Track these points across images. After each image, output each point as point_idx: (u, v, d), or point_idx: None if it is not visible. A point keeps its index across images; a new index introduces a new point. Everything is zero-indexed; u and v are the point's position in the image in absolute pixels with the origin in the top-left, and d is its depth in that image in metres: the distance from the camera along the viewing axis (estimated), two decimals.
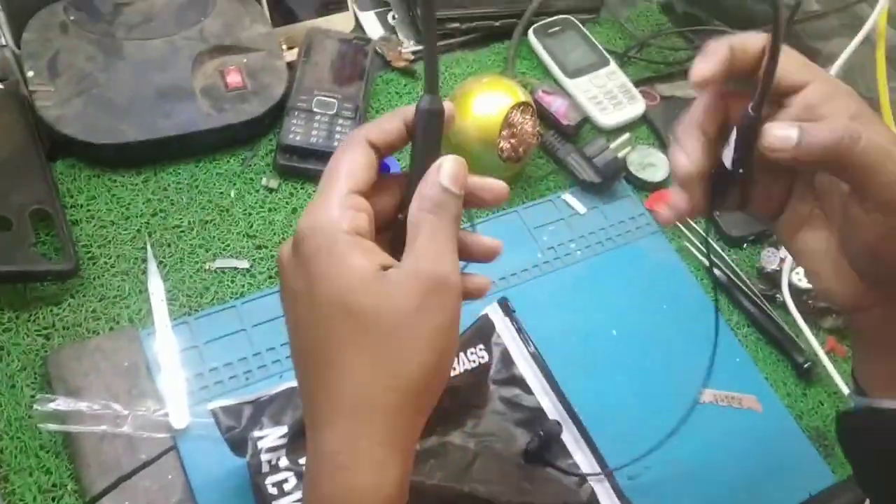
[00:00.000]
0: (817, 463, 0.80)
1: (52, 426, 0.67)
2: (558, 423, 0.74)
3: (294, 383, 0.70)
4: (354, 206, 0.43)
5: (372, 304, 0.40)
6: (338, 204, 0.42)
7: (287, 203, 0.86)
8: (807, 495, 0.78)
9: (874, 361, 0.52)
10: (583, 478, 0.73)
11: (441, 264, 0.41)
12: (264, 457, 0.65)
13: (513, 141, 0.86)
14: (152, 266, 0.78)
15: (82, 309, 0.75)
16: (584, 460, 0.74)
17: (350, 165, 0.43)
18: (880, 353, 0.51)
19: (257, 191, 0.86)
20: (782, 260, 0.89)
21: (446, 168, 0.43)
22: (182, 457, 0.68)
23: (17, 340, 0.72)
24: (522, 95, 0.87)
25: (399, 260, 0.42)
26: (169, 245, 0.81)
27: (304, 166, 0.87)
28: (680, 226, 0.93)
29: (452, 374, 0.74)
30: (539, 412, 0.75)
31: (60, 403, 0.68)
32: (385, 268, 0.41)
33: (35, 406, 0.67)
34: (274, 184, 0.87)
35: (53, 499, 0.65)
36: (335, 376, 0.41)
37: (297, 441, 0.67)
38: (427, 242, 0.42)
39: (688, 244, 0.92)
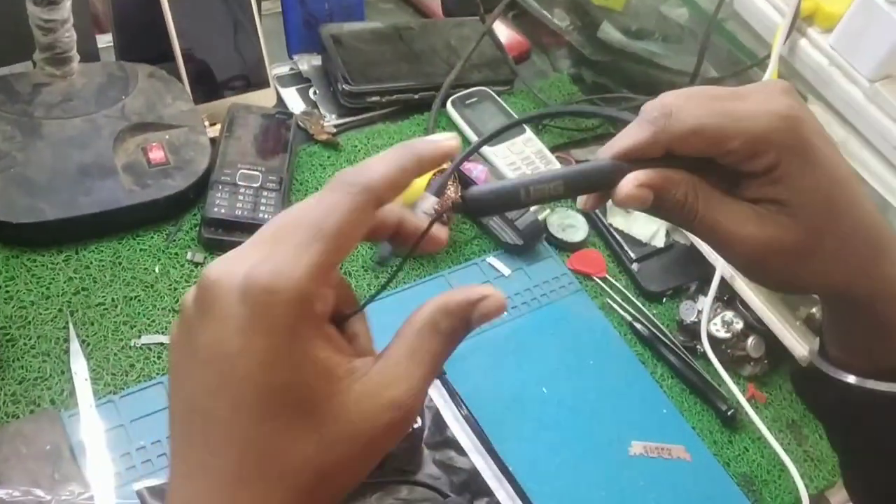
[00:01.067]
0: None
1: None
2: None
3: None
4: (333, 282, 0.37)
5: (324, 405, 0.33)
6: (315, 274, 0.32)
7: None
8: None
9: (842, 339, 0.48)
10: None
11: (413, 398, 0.35)
12: None
13: (437, 207, 0.89)
14: (75, 345, 0.77)
15: (1, 392, 0.73)
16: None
17: (348, 225, 0.34)
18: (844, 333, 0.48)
19: (182, 265, 0.86)
20: (699, 312, 0.93)
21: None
22: None
23: None
24: (444, 163, 0.90)
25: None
26: (92, 323, 0.80)
27: (230, 239, 0.87)
28: (601, 283, 0.97)
29: None
30: (474, 473, 0.76)
31: None
32: (349, 369, 0.34)
33: None
34: (199, 258, 0.87)
35: None
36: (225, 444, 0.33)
37: None
38: (409, 366, 0.36)
39: (610, 301, 0.95)
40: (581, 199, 0.45)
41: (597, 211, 1.03)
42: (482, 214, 0.42)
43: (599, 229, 1.02)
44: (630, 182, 0.41)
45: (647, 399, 0.89)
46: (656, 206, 0.42)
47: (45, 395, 0.74)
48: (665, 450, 0.85)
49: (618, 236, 1.01)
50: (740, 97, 0.42)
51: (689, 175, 0.42)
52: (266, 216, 0.87)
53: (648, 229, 1.01)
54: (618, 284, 0.97)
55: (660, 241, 1.01)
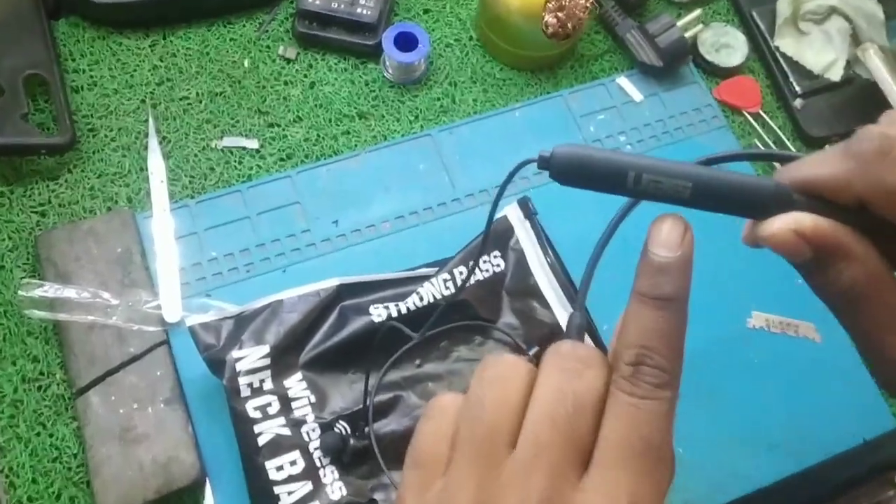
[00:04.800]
0: (877, 405, 0.73)
1: (39, 313, 0.66)
2: None
3: (281, 296, 0.66)
4: None
5: None
6: None
7: (305, 76, 0.80)
8: (861, 440, 0.72)
9: None
10: None
11: None
12: (243, 380, 0.62)
13: (560, 15, 0.77)
14: (153, 142, 0.74)
15: (80, 186, 0.73)
16: None
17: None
18: None
19: (273, 60, 0.80)
20: None
21: None
22: (173, 352, 0.66)
23: (9, 217, 0.70)
24: None
25: None
26: (174, 119, 0.76)
27: (325, 35, 0.80)
28: (751, 120, 0.84)
29: (461, 286, 0.69)
30: (556, 329, 0.70)
31: (48, 289, 0.66)
32: None
33: (20, 291, 0.66)
34: (292, 53, 0.80)
35: (40, 388, 0.65)
36: None
37: (281, 362, 0.64)
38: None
39: (758, 142, 0.83)
40: (747, 227, 0.35)
41: (762, 29, 0.87)
42: (566, 183, 0.34)
43: (762, 52, 0.87)
44: (787, 222, 0.32)
45: (778, 263, 0.78)
46: (807, 269, 0.33)
47: (122, 193, 0.73)
48: (791, 325, 0.76)
49: (784, 63, 0.86)
50: None
51: (875, 256, 0.32)
52: (365, 11, 0.79)
53: (824, 57, 0.85)
54: (772, 123, 0.84)
55: (836, 75, 0.85)
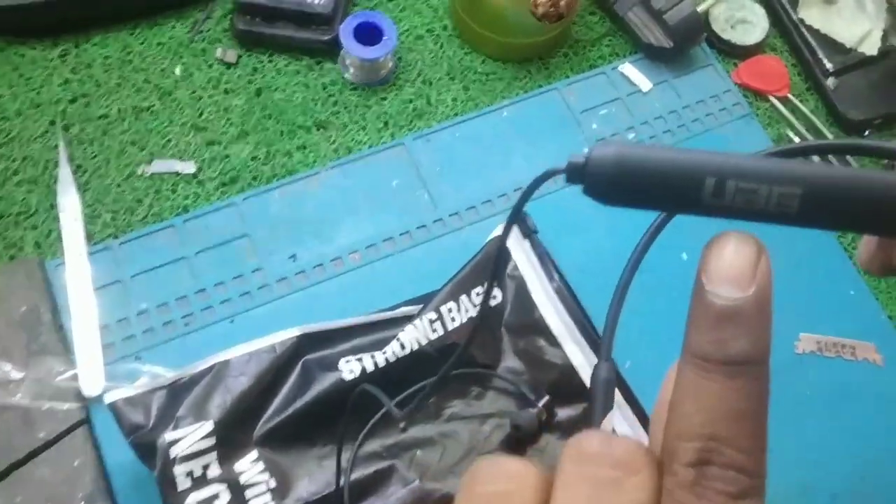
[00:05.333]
0: None
1: None
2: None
3: (227, 355, 0.54)
4: None
5: None
6: None
7: (249, 82, 0.68)
8: None
9: None
10: None
11: None
12: (181, 468, 0.50)
13: None
14: (65, 172, 0.62)
15: None
16: (629, 432, 0.57)
17: None
18: None
19: (210, 66, 0.68)
20: None
21: None
22: (95, 434, 0.55)
23: None
24: None
25: None
26: (91, 142, 0.64)
27: (271, 32, 0.69)
28: (779, 105, 0.72)
29: (452, 326, 0.57)
30: (568, 370, 0.58)
31: None
32: None
33: None
34: (232, 56, 0.69)
35: None
36: None
37: (229, 441, 0.52)
38: None
39: (790, 131, 0.71)
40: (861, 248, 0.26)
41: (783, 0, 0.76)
42: (611, 201, 0.23)
43: (784, 26, 0.76)
44: None
45: (827, 274, 0.67)
46: None
47: (27, 237, 0.60)
48: (847, 347, 0.65)
49: (810, 38, 0.75)
50: None
51: None
52: (318, 0, 0.66)
53: (857, 29, 0.74)
54: (803, 108, 0.73)
55: (872, 48, 0.74)
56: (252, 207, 0.63)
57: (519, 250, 0.61)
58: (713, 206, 0.22)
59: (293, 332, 0.56)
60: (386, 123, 0.68)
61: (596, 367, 0.27)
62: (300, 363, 0.55)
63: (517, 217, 0.28)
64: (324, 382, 0.55)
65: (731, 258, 0.21)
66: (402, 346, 0.56)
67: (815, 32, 0.75)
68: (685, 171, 0.22)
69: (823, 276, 0.67)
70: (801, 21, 0.75)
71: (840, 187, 0.22)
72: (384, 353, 0.56)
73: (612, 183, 0.22)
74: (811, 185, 0.22)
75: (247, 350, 0.55)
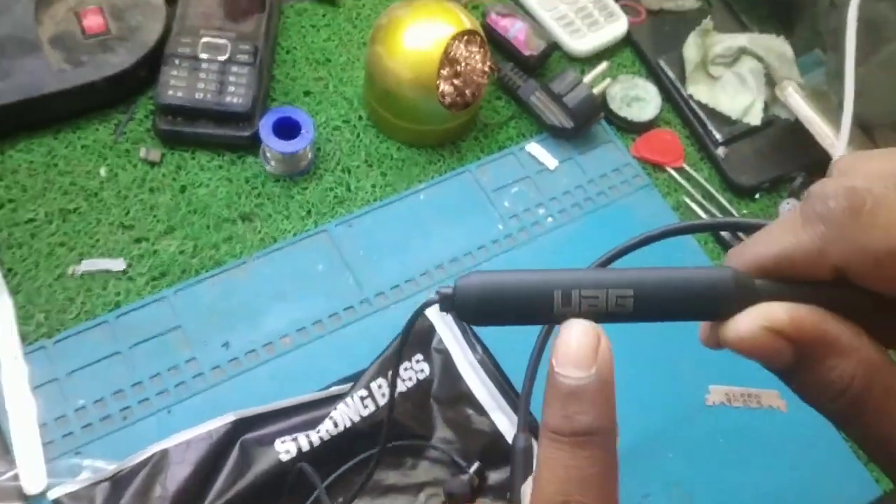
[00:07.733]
0: (858, 473, 0.69)
1: None
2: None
3: (165, 444, 0.57)
4: None
5: None
6: None
7: (174, 179, 0.72)
8: None
9: None
10: None
11: None
12: None
13: (457, 82, 0.72)
14: None
15: None
16: None
17: None
18: None
19: (135, 166, 0.72)
20: None
21: None
22: None
23: None
24: (467, 22, 0.72)
25: None
26: (20, 246, 0.67)
27: (193, 130, 0.73)
28: (676, 175, 0.80)
29: (382, 402, 0.61)
30: (496, 437, 0.63)
31: None
32: None
33: None
34: (156, 156, 0.73)
35: None
36: None
37: None
38: None
39: (687, 199, 0.79)
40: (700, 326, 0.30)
41: (672, 78, 0.84)
42: (479, 322, 0.29)
43: (676, 102, 0.84)
44: (755, 320, 0.26)
45: None
46: (787, 371, 0.27)
47: None
48: (753, 396, 0.71)
49: (700, 111, 0.83)
50: None
51: (868, 341, 0.26)
52: (235, 99, 0.72)
53: (741, 101, 0.83)
54: (698, 177, 0.80)
55: (755, 118, 0.82)
56: (183, 299, 0.67)
57: (443, 325, 0.66)
58: (564, 315, 0.27)
59: (228, 418, 0.60)
60: (309, 212, 0.73)
61: (515, 438, 0.33)
62: (238, 444, 0.58)
63: (407, 335, 0.34)
64: (263, 462, 0.58)
65: (575, 344, 0.26)
66: (336, 424, 0.60)
67: (704, 106, 0.83)
68: (536, 288, 0.27)
69: None
70: (691, 97, 0.83)
71: (663, 285, 0.28)
72: (318, 431, 0.60)
73: (478, 308, 0.28)
74: (640, 285, 0.27)
75: (184, 438, 0.58)
